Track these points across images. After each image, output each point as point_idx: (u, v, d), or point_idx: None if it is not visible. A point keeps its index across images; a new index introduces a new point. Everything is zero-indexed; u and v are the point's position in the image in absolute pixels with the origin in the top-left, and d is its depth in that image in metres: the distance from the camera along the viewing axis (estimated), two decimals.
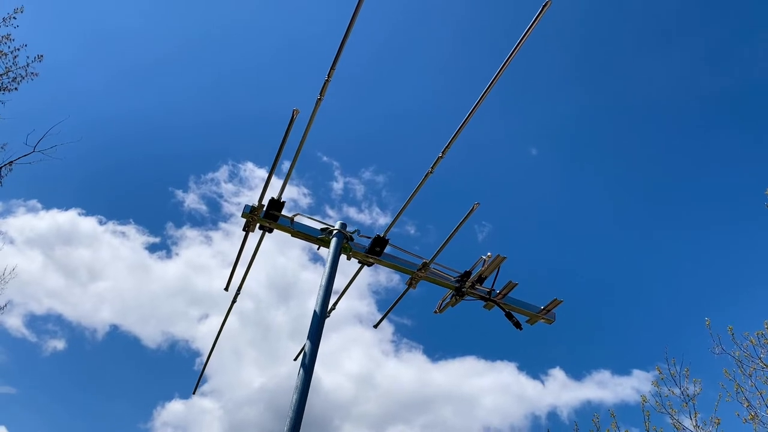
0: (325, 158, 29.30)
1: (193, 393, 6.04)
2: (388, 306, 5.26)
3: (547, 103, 30.12)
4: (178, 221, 31.85)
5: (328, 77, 3.64)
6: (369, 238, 4.60)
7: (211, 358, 5.52)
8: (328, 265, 4.24)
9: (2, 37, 15.60)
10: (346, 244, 4.49)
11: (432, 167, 4.12)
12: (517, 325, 4.56)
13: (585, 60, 29.48)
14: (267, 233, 4.59)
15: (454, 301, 4.73)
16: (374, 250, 4.59)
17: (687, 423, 11.76)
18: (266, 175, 4.19)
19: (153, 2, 28.50)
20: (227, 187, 28.63)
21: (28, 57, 16.05)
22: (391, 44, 29.91)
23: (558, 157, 30.85)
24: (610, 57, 29.30)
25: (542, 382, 26.90)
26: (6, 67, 15.88)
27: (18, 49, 16.06)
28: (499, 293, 4.68)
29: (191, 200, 29.32)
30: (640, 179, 30.11)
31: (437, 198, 25.90)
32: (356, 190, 29.91)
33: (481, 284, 4.65)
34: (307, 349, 3.81)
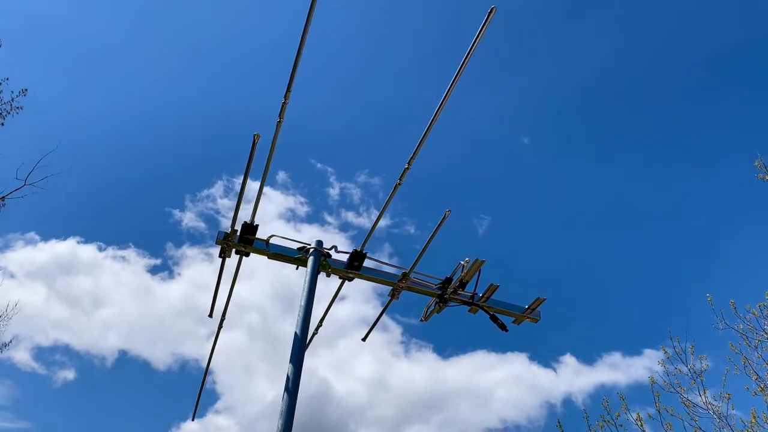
0: (319, 165, 29.28)
1: (192, 419, 6.02)
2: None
3: (539, 86, 30.04)
4: (178, 241, 31.81)
5: (285, 99, 3.60)
6: (347, 253, 4.58)
7: (209, 379, 5.50)
8: (306, 285, 4.20)
9: None
10: (324, 261, 4.47)
11: (400, 178, 4.10)
12: (503, 327, 4.53)
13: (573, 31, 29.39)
14: (245, 257, 4.57)
15: (438, 308, 4.71)
16: (353, 265, 4.56)
17: (697, 400, 11.71)
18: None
19: (137, 17, 28.48)
20: (223, 203, 28.58)
21: (12, 92, 16.09)
22: (379, 43, 29.87)
23: (553, 145, 30.79)
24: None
25: (554, 369, 26.82)
26: None
27: (0, 84, 16.11)
28: (482, 297, 4.66)
29: (189, 219, 29.27)
30: (633, 158, 30.03)
31: (438, 195, 25.88)
32: (353, 195, 29.87)
33: (463, 289, 4.63)
34: (290, 372, 3.78)
